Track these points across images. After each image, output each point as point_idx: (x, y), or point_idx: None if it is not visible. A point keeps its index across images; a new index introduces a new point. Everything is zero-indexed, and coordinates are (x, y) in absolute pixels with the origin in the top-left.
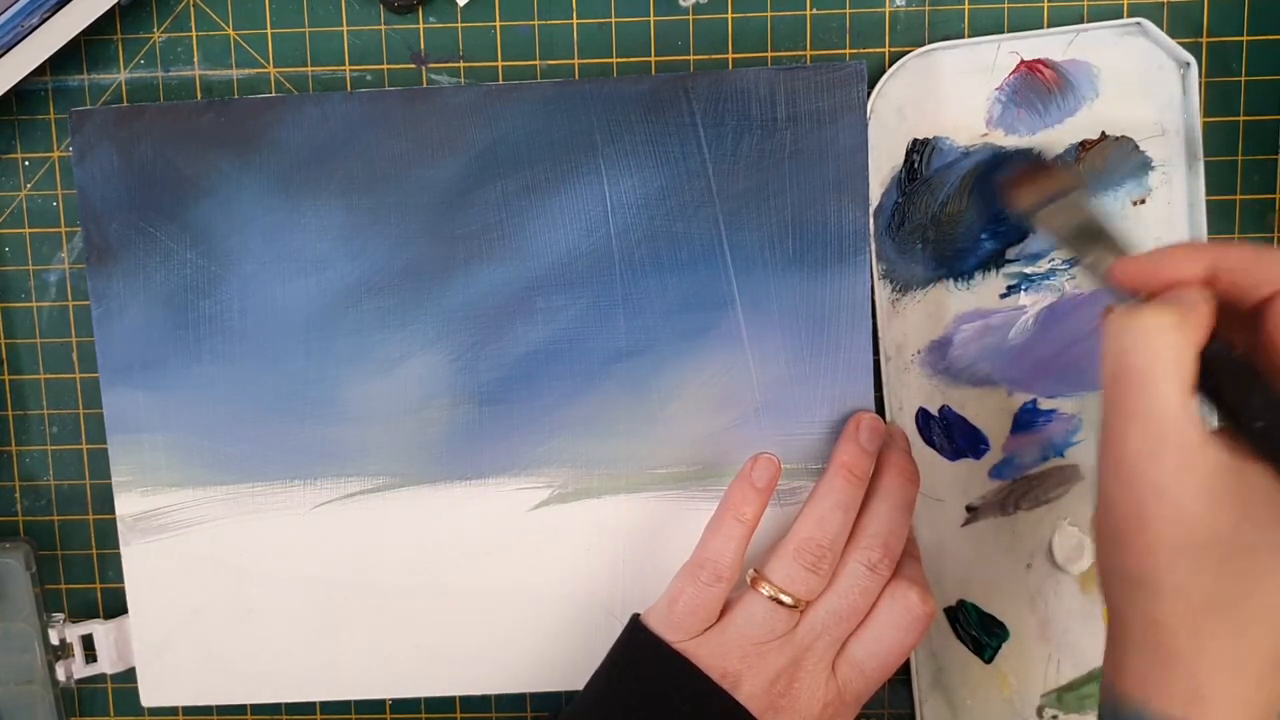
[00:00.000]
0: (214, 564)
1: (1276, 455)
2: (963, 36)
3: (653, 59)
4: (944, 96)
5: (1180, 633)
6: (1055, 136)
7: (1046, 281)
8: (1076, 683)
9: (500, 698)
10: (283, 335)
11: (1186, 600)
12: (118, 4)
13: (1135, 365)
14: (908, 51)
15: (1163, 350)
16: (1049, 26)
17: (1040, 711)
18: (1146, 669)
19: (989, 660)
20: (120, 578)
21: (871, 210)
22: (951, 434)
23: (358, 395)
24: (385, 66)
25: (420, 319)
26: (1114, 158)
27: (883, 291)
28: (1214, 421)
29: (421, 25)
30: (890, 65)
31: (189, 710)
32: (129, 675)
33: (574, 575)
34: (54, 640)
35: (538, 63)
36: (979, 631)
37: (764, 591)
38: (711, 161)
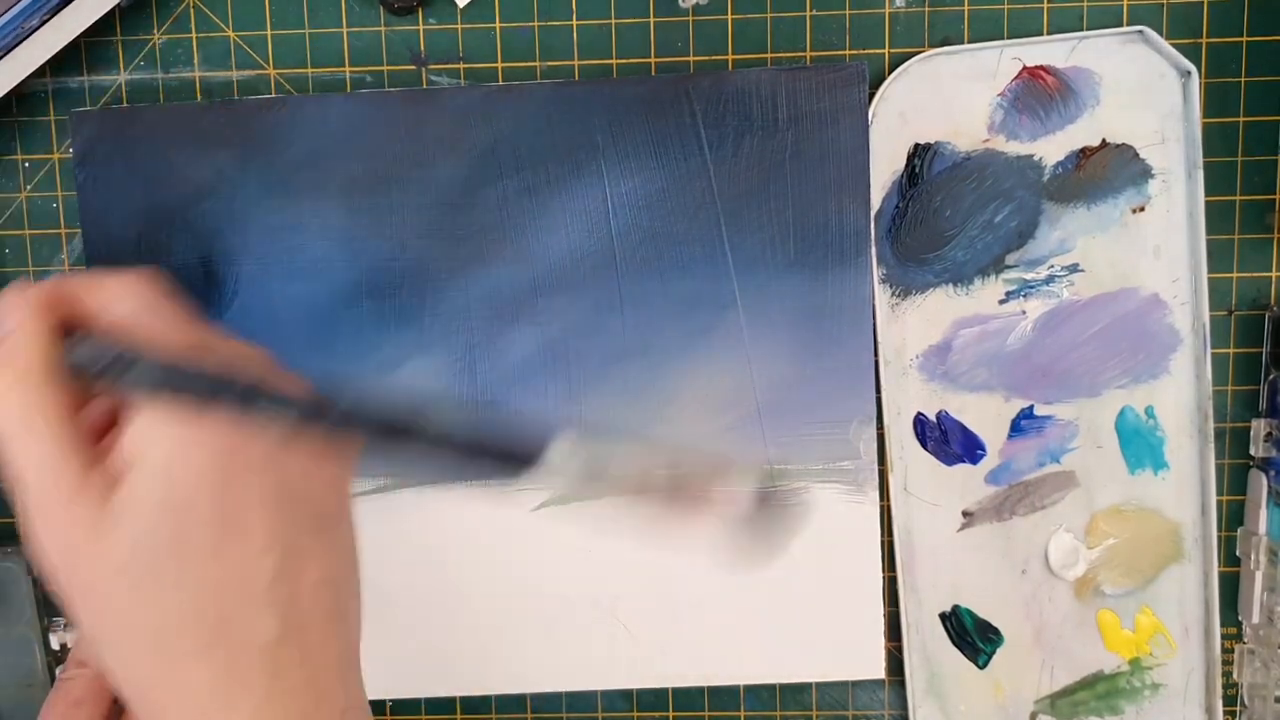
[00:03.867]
0: None
1: None
2: (963, 38)
3: (652, 60)
4: (946, 101)
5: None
6: (1056, 143)
7: (1045, 287)
8: (1070, 689)
9: (500, 698)
10: (283, 336)
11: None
12: (118, 6)
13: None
14: (908, 53)
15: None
16: (1049, 29)
17: (1033, 717)
18: None
19: (983, 666)
20: None
21: (872, 214)
22: (948, 439)
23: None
24: (385, 68)
25: (421, 320)
26: (1114, 165)
27: (882, 296)
28: None
29: (421, 26)
30: (890, 66)
31: None
32: None
33: (574, 576)
34: (54, 645)
35: (538, 64)
36: (973, 637)
37: None
38: (712, 162)
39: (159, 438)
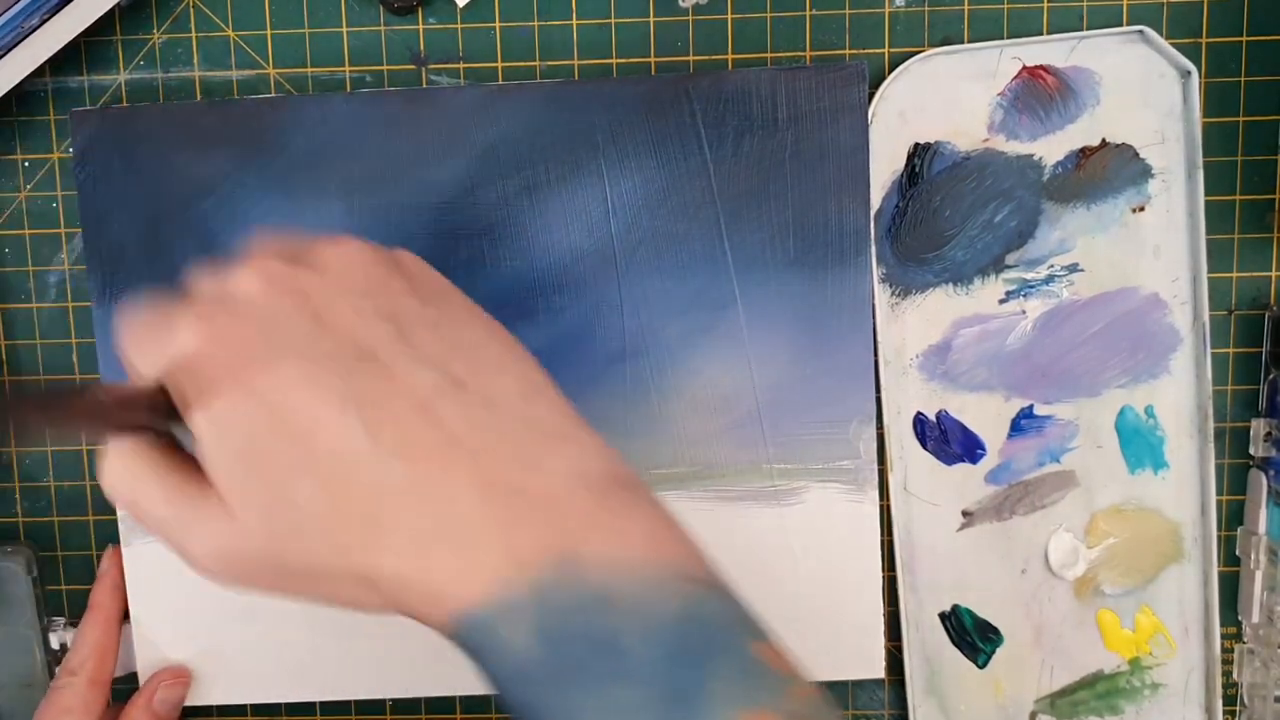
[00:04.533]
0: None
1: None
2: (962, 38)
3: (652, 60)
4: (946, 101)
5: None
6: (1056, 143)
7: (1045, 287)
8: (1070, 689)
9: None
10: None
11: None
12: (117, 5)
13: None
14: (907, 52)
15: None
16: (1048, 29)
17: (1033, 717)
18: None
19: (983, 665)
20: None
21: (872, 214)
22: (948, 439)
23: None
24: (385, 67)
25: None
26: (1114, 165)
27: (882, 295)
28: None
29: (421, 26)
30: (890, 66)
31: (189, 710)
32: (130, 678)
33: None
34: (54, 644)
35: (537, 63)
36: (973, 636)
37: None
38: (712, 162)
39: (201, 417)
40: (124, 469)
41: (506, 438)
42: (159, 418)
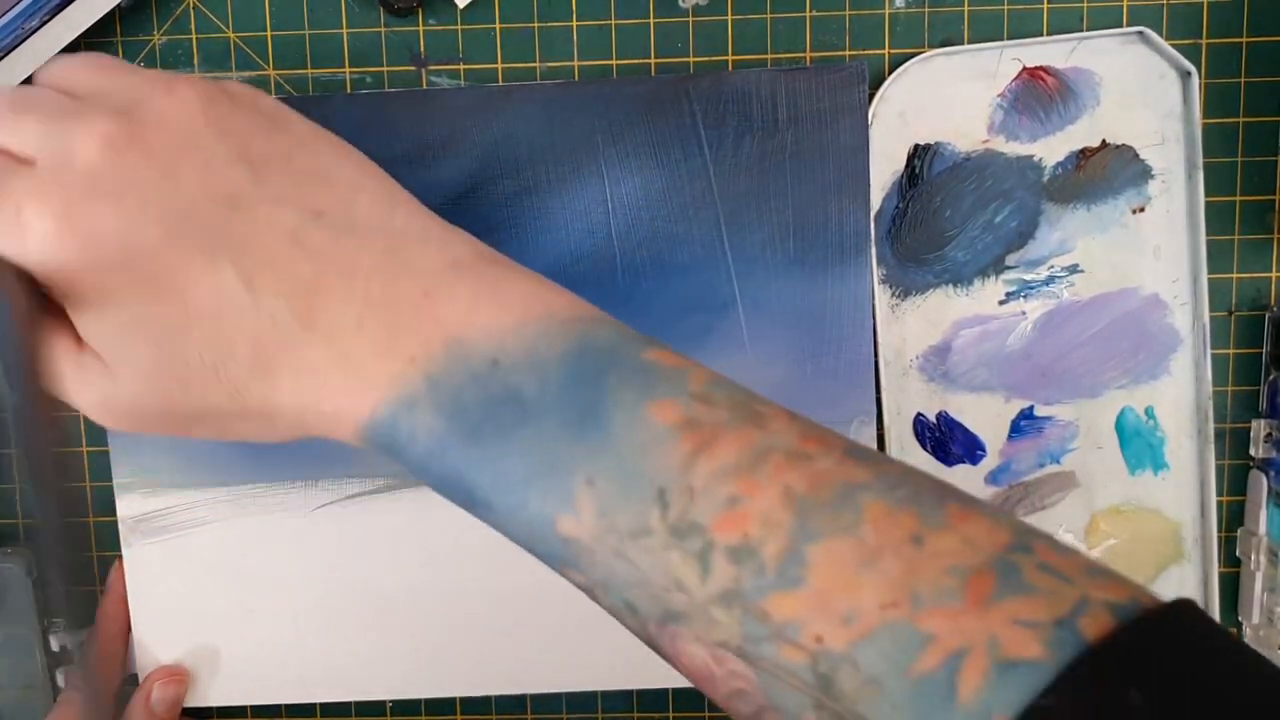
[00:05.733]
0: (215, 565)
1: None
2: (962, 39)
3: (652, 60)
4: (946, 102)
5: None
6: (1056, 143)
7: (1045, 288)
8: None
9: (500, 699)
10: None
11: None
12: (118, 6)
13: None
14: (907, 53)
15: None
16: (1048, 29)
17: None
18: None
19: None
20: None
21: (872, 215)
22: (949, 440)
23: None
24: (385, 69)
25: None
26: (1114, 166)
27: (882, 296)
28: None
29: (421, 27)
30: (890, 67)
31: (189, 711)
32: (130, 679)
33: None
34: (54, 646)
35: (537, 64)
36: None
37: None
38: (712, 162)
39: (65, 293)
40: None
41: (374, 252)
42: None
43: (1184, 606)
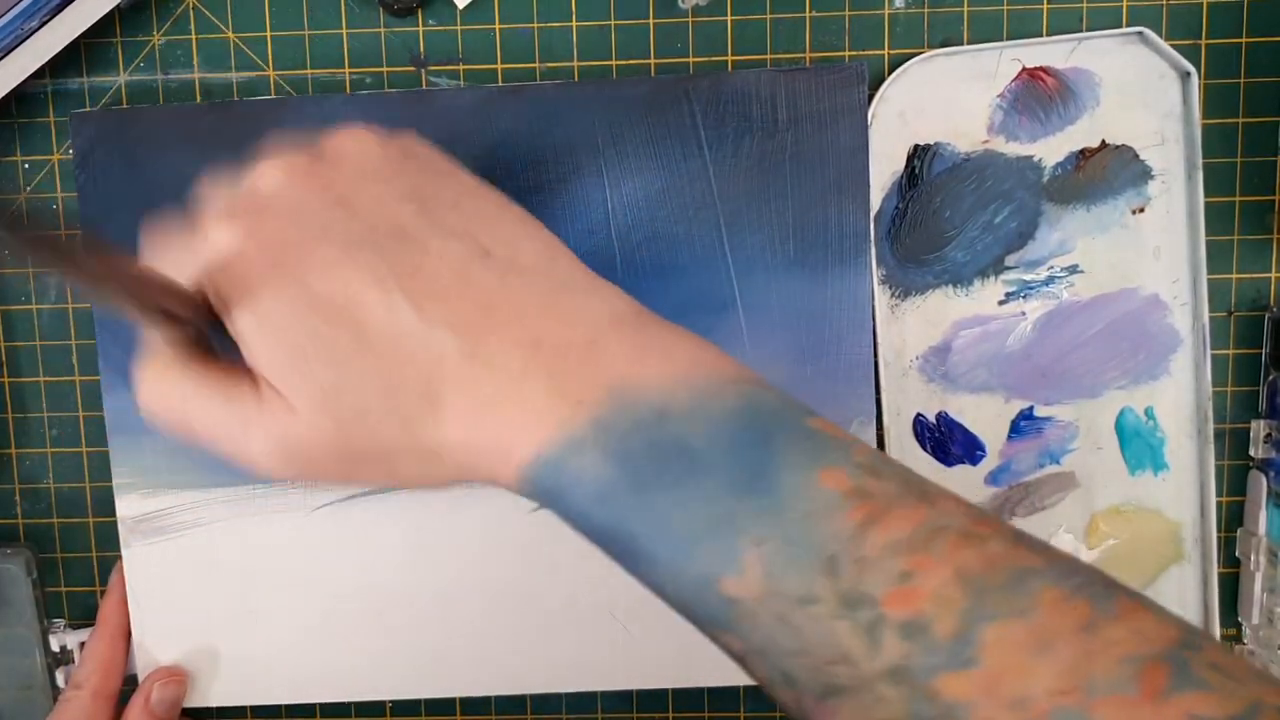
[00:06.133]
0: (215, 566)
1: None
2: (962, 39)
3: (652, 61)
4: (945, 102)
5: None
6: (1056, 144)
7: (1045, 288)
8: None
9: (500, 699)
10: None
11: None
12: (117, 7)
13: None
14: (907, 54)
15: None
16: (1048, 30)
17: None
18: None
19: None
20: None
21: (872, 215)
22: (948, 440)
23: None
24: (385, 69)
25: None
26: (1113, 166)
27: (882, 297)
28: None
29: (421, 28)
30: (890, 67)
31: (189, 711)
32: (129, 679)
33: (575, 577)
34: (54, 647)
35: (537, 65)
36: None
37: None
38: (712, 163)
39: (243, 314)
40: (167, 383)
41: (539, 296)
42: (198, 315)
43: None
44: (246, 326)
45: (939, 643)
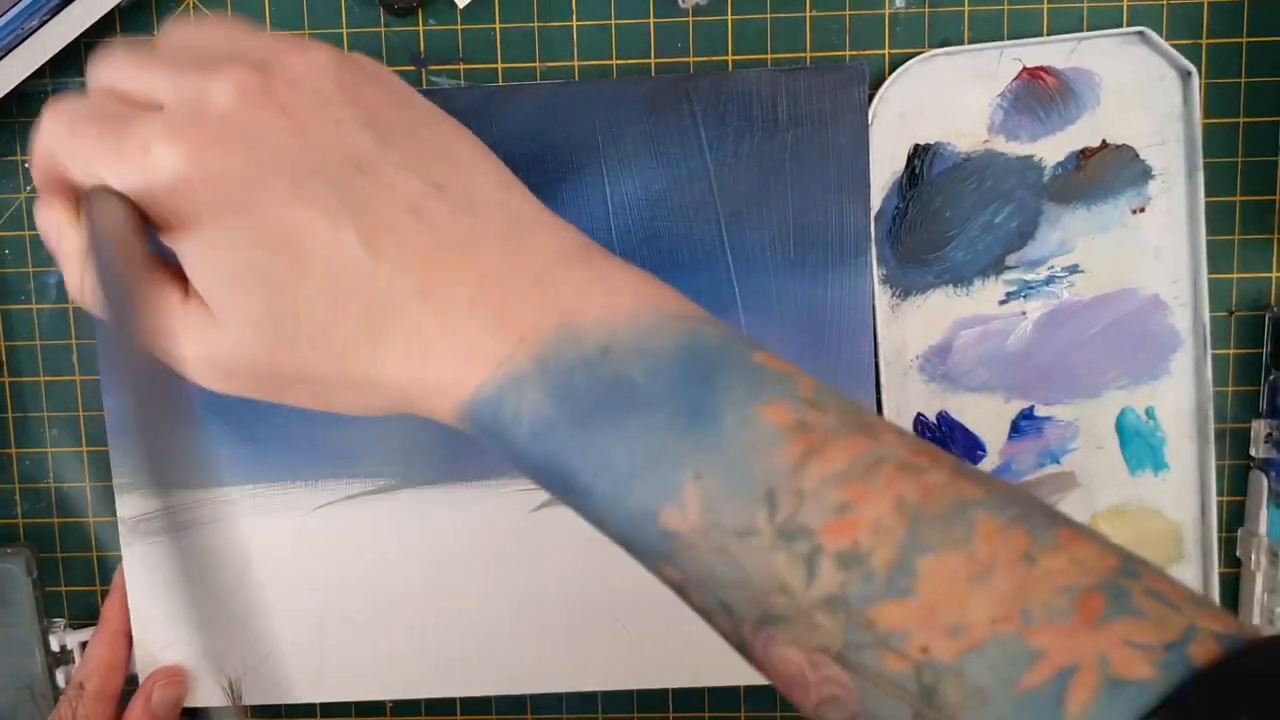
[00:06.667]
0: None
1: None
2: (962, 39)
3: (652, 60)
4: (946, 102)
5: None
6: (1056, 143)
7: (1046, 288)
8: None
9: (500, 699)
10: None
11: None
12: (118, 6)
13: None
14: (907, 54)
15: None
16: (1048, 30)
17: None
18: None
19: None
20: None
21: (872, 215)
22: (949, 440)
23: None
24: None
25: None
26: (1114, 166)
27: (882, 296)
28: None
29: (421, 27)
30: (890, 67)
31: (189, 712)
32: (130, 680)
33: (575, 577)
34: (54, 647)
35: (537, 64)
36: None
37: None
38: (712, 163)
39: (182, 236)
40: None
41: (489, 233)
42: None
43: None
44: (185, 247)
45: (876, 572)
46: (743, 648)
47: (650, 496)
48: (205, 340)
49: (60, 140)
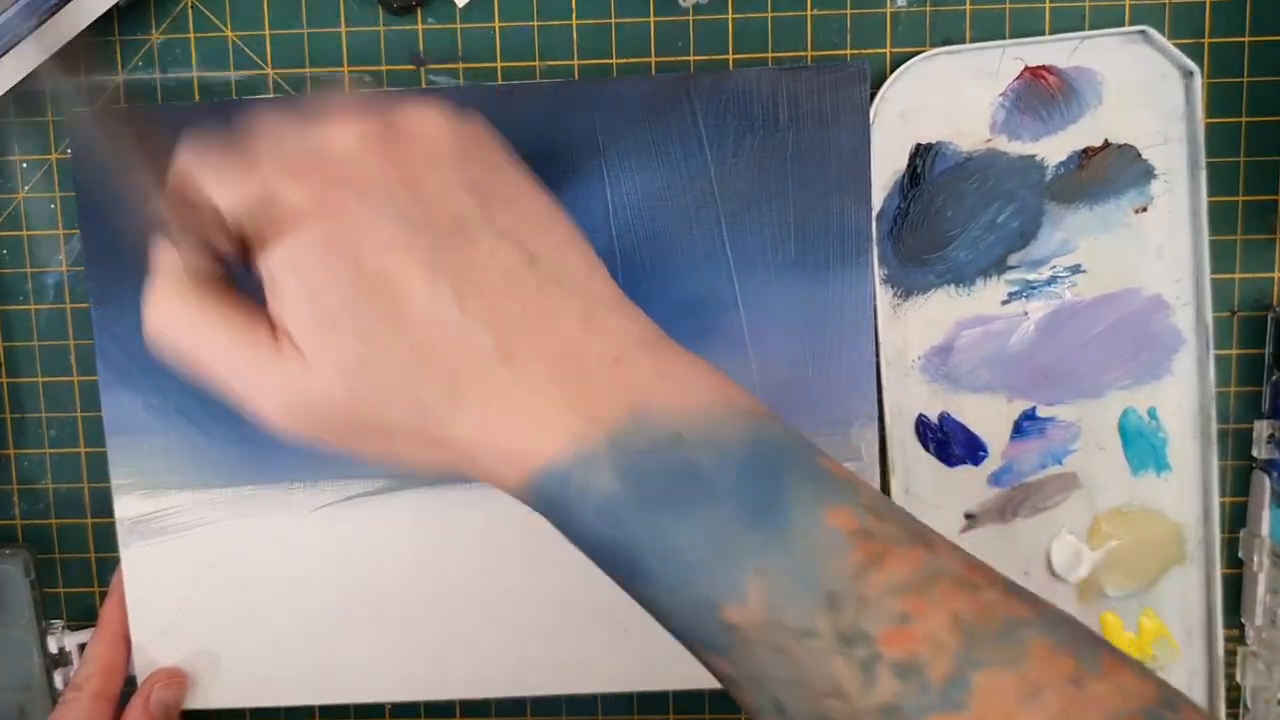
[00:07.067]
0: (214, 567)
1: None
2: (964, 38)
3: (653, 60)
4: (947, 101)
5: None
6: (1058, 143)
7: (1048, 288)
8: None
9: (500, 701)
10: None
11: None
12: (116, 6)
13: None
14: (909, 52)
15: None
16: (1050, 29)
17: None
18: None
19: None
20: None
21: (874, 215)
22: (950, 440)
23: None
24: (384, 68)
25: None
26: (1116, 165)
27: (884, 296)
28: None
29: (420, 26)
30: (891, 66)
31: (188, 714)
32: (128, 681)
33: (575, 579)
34: (53, 648)
35: (537, 64)
36: None
37: None
38: (713, 162)
39: (283, 265)
40: (181, 307)
41: (574, 310)
42: (230, 246)
43: None
44: (276, 267)
45: (931, 685)
46: None
47: (715, 589)
48: (291, 382)
49: (189, 160)
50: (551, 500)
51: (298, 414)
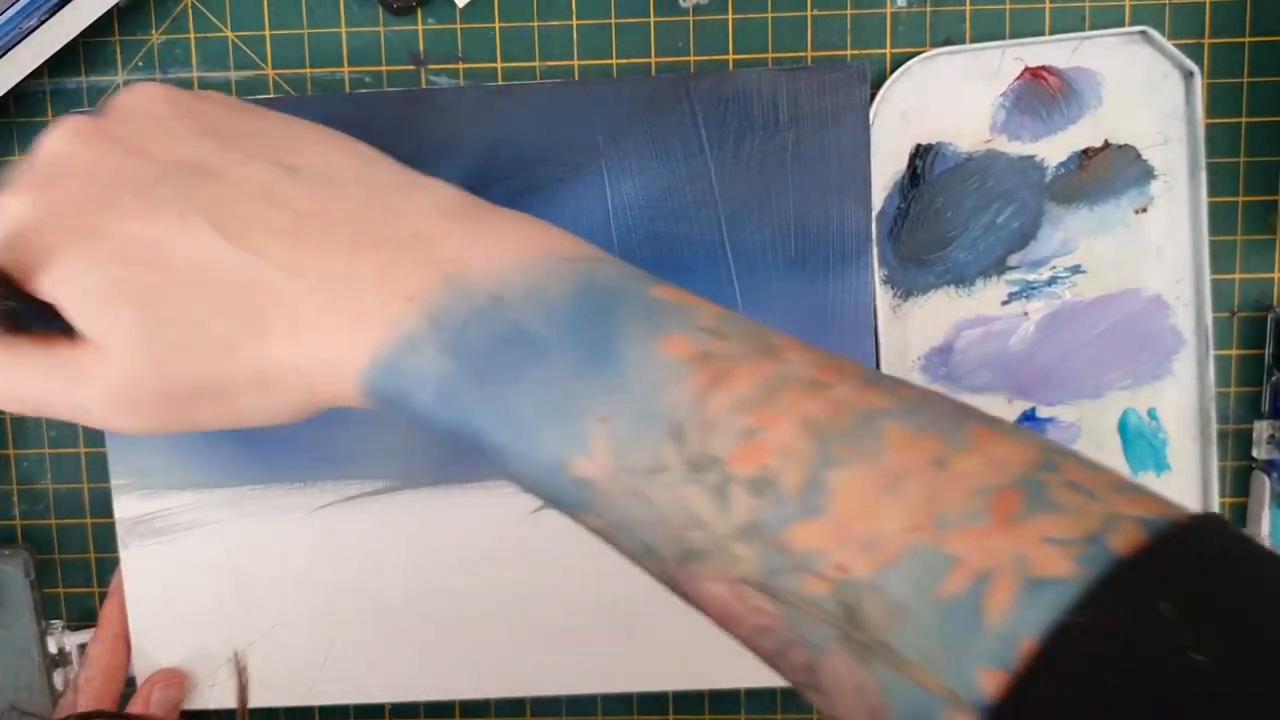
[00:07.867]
0: (213, 567)
1: None
2: (964, 39)
3: (653, 60)
4: (948, 102)
5: None
6: (1058, 143)
7: (1048, 289)
8: None
9: (499, 701)
10: None
11: None
12: (116, 6)
13: None
14: (909, 53)
15: None
16: (1051, 29)
17: None
18: None
19: None
20: None
21: (874, 215)
22: None
23: None
24: (384, 68)
25: None
26: (1116, 166)
27: (884, 297)
28: None
29: (420, 27)
30: (891, 66)
31: (188, 714)
32: (128, 682)
33: (575, 578)
34: (52, 648)
35: (537, 64)
36: None
37: None
38: (713, 163)
39: (53, 281)
40: None
41: (356, 200)
42: (7, 293)
43: (1213, 520)
44: (51, 286)
45: (787, 495)
46: (675, 588)
47: (559, 447)
48: (98, 376)
49: None
50: (391, 398)
51: (121, 404)
